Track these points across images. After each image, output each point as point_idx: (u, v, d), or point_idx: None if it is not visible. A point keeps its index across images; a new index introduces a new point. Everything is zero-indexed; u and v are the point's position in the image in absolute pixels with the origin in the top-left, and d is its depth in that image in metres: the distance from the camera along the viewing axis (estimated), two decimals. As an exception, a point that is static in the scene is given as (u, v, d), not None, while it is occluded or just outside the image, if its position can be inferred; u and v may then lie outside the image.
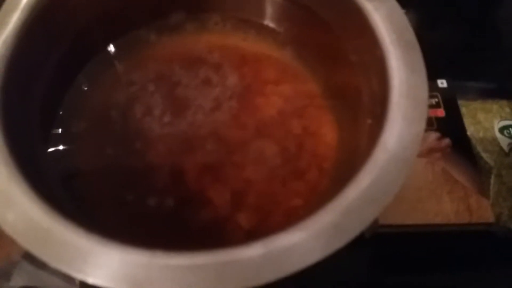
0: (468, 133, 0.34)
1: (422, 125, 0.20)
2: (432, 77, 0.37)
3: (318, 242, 0.17)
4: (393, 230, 0.28)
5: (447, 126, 0.33)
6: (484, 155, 0.33)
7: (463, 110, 0.35)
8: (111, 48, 0.29)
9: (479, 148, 0.33)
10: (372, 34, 0.25)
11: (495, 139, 0.34)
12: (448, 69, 0.38)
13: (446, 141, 0.32)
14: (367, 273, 0.30)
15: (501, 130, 0.34)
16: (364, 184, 0.19)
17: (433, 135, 0.32)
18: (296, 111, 0.29)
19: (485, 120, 0.35)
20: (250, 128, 0.29)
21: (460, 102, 0.35)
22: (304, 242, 0.17)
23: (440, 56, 0.41)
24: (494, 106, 0.36)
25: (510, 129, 0.34)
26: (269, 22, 0.31)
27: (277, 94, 0.30)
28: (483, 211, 0.29)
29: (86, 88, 0.28)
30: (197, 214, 0.25)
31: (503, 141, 0.34)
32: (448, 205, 0.29)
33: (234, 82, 0.29)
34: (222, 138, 0.28)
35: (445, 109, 0.34)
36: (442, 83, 0.36)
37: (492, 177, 0.32)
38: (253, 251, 0.16)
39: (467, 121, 0.34)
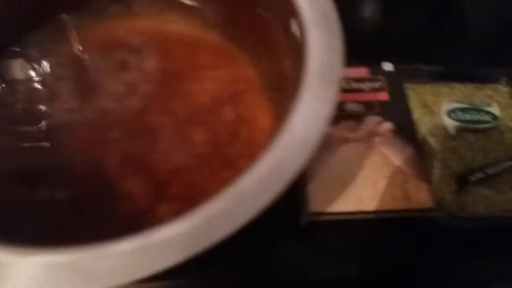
0: (414, 116, 0.32)
1: (331, 106, 0.19)
2: (378, 61, 0.36)
3: (204, 231, 0.16)
4: (328, 217, 0.27)
5: (391, 110, 0.32)
6: (430, 139, 0.32)
7: (411, 93, 0.34)
8: (28, 36, 0.28)
9: (424, 132, 0.32)
10: (297, 14, 0.24)
11: (442, 123, 0.33)
12: (400, 53, 0.37)
13: (387, 125, 0.31)
14: (305, 262, 0.29)
15: (449, 113, 0.33)
16: (262, 171, 0.18)
17: (374, 119, 0.31)
18: (230, 96, 0.28)
19: (433, 104, 0.34)
20: (179, 115, 0.27)
21: (408, 86, 0.34)
22: (188, 231, 0.16)
23: (393, 40, 0.40)
24: (443, 88, 0.34)
25: (458, 112, 0.33)
26: (196, 3, 0.29)
27: (208, 78, 0.28)
28: (421, 197, 0.28)
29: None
30: (115, 207, 0.24)
31: (450, 125, 0.32)
32: (385, 191, 0.28)
33: (160, 66, 0.28)
34: (148, 126, 0.26)
35: (390, 92, 0.33)
36: (388, 66, 0.34)
37: (436, 161, 0.31)
38: (127, 246, 0.15)
39: (413, 105, 0.33)
